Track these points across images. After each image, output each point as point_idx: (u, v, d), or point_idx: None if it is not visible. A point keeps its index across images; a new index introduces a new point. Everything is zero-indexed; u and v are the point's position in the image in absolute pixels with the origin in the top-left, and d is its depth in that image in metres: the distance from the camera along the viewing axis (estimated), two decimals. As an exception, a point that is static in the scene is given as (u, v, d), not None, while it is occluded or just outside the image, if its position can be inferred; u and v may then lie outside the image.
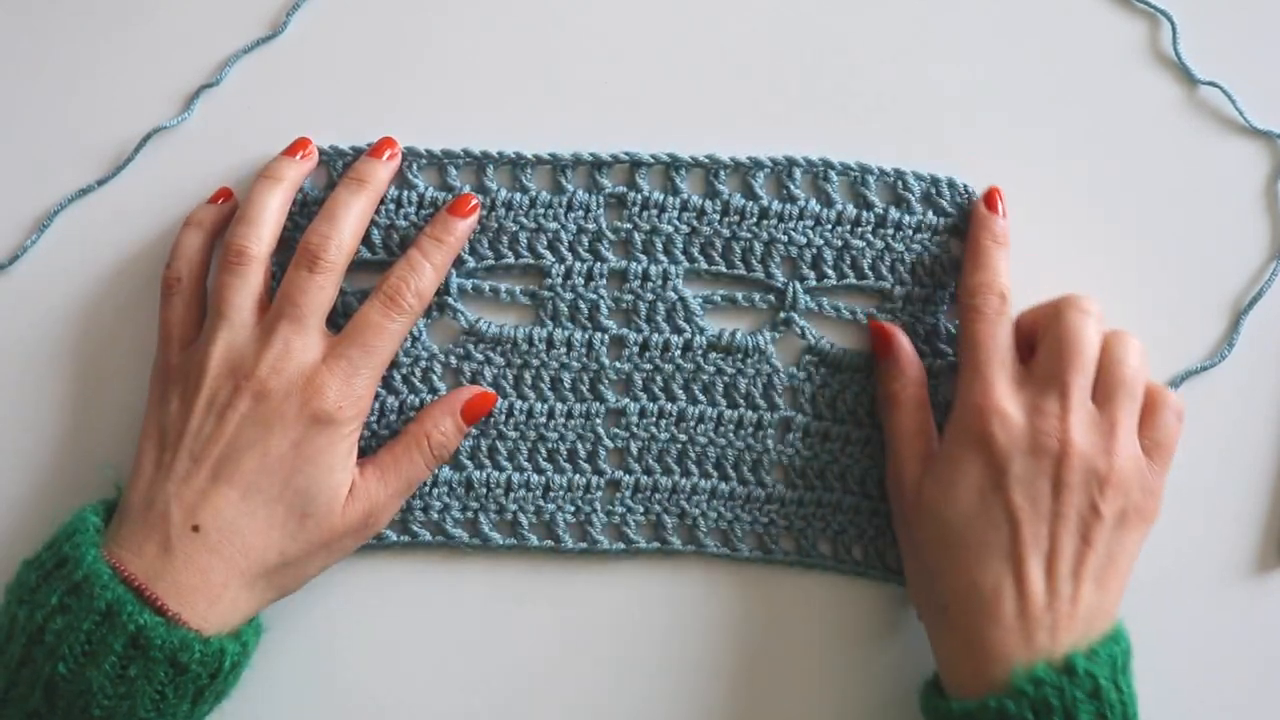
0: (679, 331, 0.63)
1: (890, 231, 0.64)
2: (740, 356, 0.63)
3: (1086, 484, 0.56)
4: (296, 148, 0.63)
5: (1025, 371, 0.59)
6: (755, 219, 0.64)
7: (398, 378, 0.63)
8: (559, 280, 0.64)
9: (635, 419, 0.63)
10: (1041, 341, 0.59)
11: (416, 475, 0.61)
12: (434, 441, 0.61)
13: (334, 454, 0.58)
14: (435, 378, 0.63)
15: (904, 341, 0.62)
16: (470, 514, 0.63)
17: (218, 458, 0.57)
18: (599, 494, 0.63)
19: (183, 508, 0.56)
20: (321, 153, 0.64)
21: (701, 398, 0.63)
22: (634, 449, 0.63)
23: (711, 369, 0.63)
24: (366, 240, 0.64)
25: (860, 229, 0.64)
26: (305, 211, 0.63)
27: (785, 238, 0.64)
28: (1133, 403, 0.58)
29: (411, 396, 0.63)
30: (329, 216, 0.61)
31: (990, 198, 0.62)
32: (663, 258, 0.64)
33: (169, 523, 0.56)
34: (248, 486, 0.57)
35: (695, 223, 0.64)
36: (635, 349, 0.63)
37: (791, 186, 0.64)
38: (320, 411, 0.58)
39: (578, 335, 0.63)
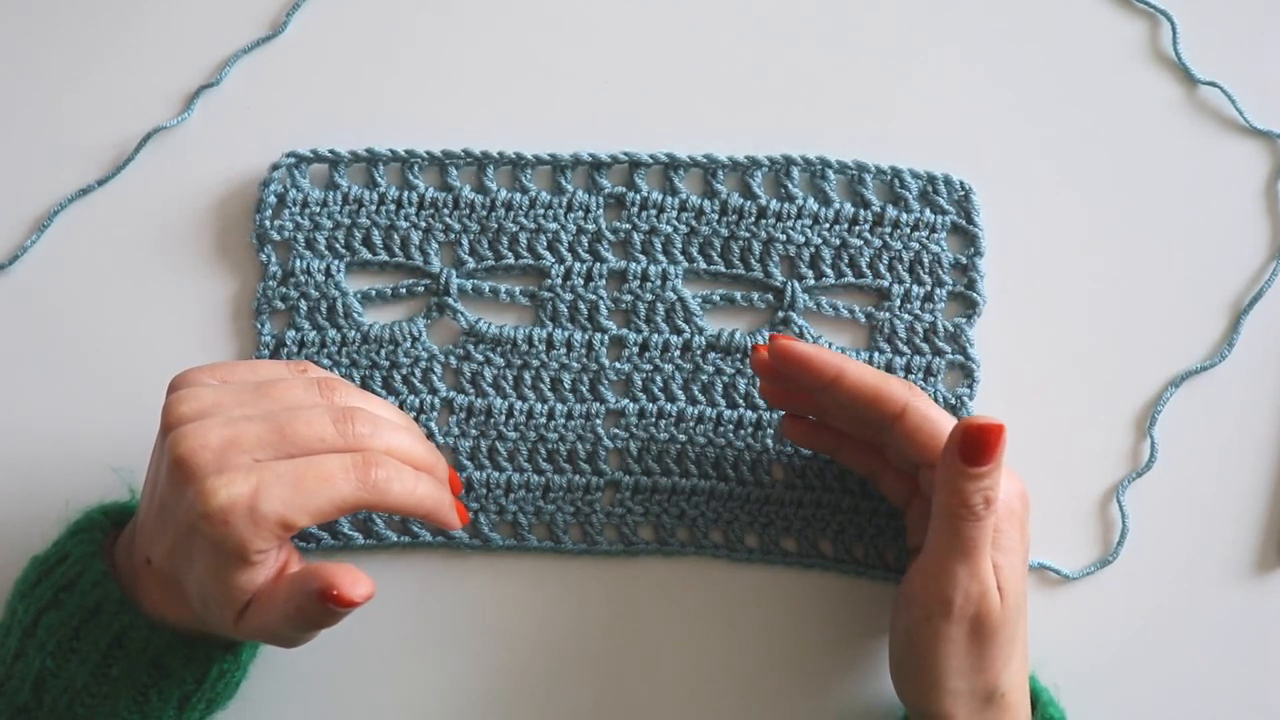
0: (678, 332, 0.63)
1: (888, 230, 0.64)
2: (740, 356, 0.63)
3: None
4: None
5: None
6: (753, 218, 0.64)
7: (398, 378, 0.63)
8: (559, 281, 0.64)
9: (635, 419, 0.63)
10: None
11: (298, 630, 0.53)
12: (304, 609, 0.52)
13: (217, 559, 0.51)
14: (435, 378, 0.63)
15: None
16: (470, 514, 0.63)
17: (160, 502, 0.53)
18: (599, 495, 0.63)
19: (143, 537, 0.54)
20: (322, 154, 0.64)
21: (701, 398, 0.63)
22: (634, 449, 0.63)
23: (711, 369, 0.63)
24: (367, 240, 0.64)
25: (858, 227, 0.64)
26: (305, 212, 0.64)
27: (783, 237, 0.64)
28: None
29: (412, 397, 0.63)
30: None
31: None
32: (662, 258, 0.64)
33: (134, 548, 0.55)
34: (174, 544, 0.52)
35: (694, 223, 0.64)
36: (635, 349, 0.63)
37: (789, 186, 0.64)
38: (205, 512, 0.50)
39: (577, 336, 0.63)
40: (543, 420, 0.63)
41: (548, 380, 0.63)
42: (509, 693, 0.63)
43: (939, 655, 0.55)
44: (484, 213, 0.64)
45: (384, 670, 0.63)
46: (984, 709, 0.55)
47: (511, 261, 0.64)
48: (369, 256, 0.64)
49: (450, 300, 0.64)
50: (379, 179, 0.64)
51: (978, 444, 0.52)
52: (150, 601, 0.54)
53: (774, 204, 0.64)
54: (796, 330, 0.63)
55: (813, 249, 0.64)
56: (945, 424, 0.55)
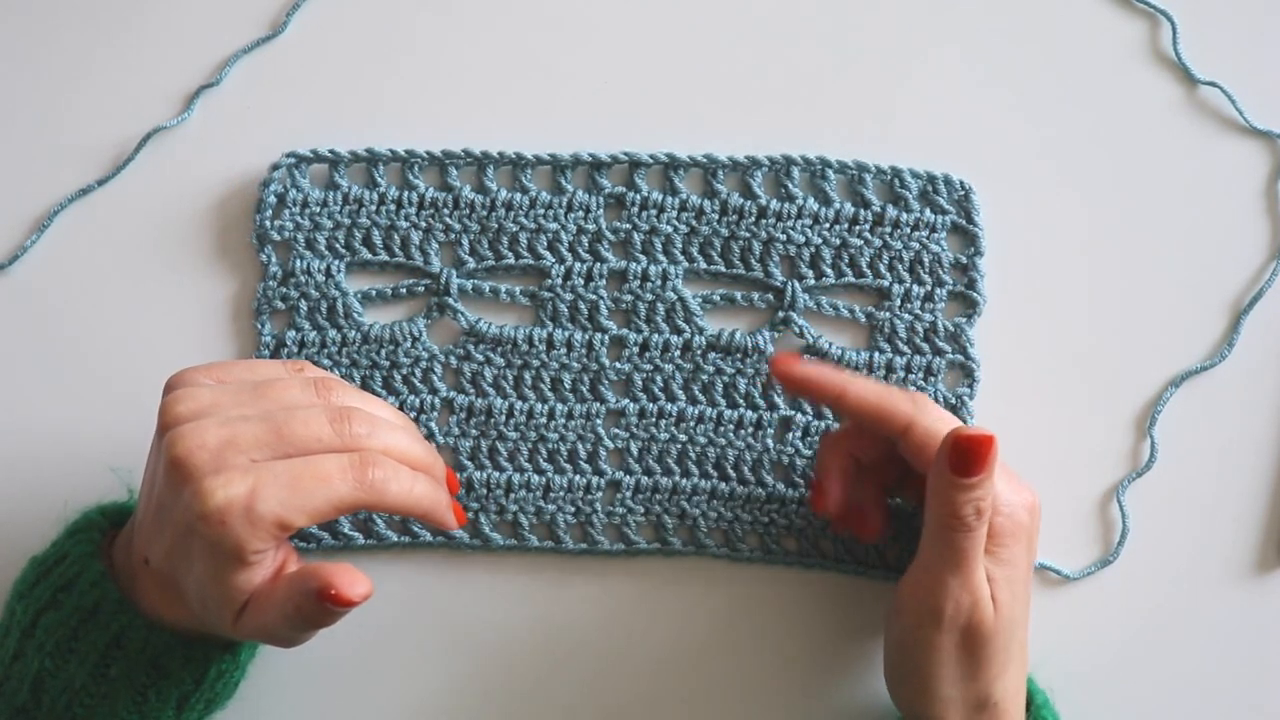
0: (678, 332, 0.63)
1: (888, 230, 0.64)
2: (740, 356, 0.63)
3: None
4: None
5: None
6: (754, 218, 0.64)
7: (398, 378, 0.63)
8: (559, 281, 0.64)
9: (635, 419, 0.63)
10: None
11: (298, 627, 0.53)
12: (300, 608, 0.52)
13: (214, 560, 0.50)
14: (435, 378, 0.63)
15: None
16: (470, 514, 0.63)
17: (157, 502, 0.52)
18: (599, 495, 0.63)
19: (140, 537, 0.54)
20: (322, 154, 0.64)
21: (701, 398, 0.63)
22: (634, 449, 0.63)
23: (711, 369, 0.63)
24: (367, 240, 0.64)
25: (858, 227, 0.64)
26: (305, 212, 0.64)
27: (784, 237, 0.64)
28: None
29: (412, 397, 0.63)
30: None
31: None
32: (662, 258, 0.64)
33: (132, 548, 0.55)
34: (171, 544, 0.52)
35: (694, 222, 0.64)
36: (635, 349, 0.63)
37: (789, 185, 0.64)
38: (202, 513, 0.50)
39: (578, 336, 0.63)
40: (543, 420, 0.63)
41: (548, 380, 0.63)
42: (509, 692, 0.63)
43: (930, 663, 0.55)
44: (484, 213, 0.64)
45: (384, 670, 0.63)
46: (976, 717, 0.55)
47: (511, 261, 0.64)
48: (369, 256, 0.64)
49: (450, 300, 0.64)
50: (379, 179, 0.64)
51: (967, 455, 0.52)
52: (148, 601, 0.54)
53: (774, 204, 0.64)
54: (796, 330, 0.63)
55: (813, 249, 0.64)
56: None
